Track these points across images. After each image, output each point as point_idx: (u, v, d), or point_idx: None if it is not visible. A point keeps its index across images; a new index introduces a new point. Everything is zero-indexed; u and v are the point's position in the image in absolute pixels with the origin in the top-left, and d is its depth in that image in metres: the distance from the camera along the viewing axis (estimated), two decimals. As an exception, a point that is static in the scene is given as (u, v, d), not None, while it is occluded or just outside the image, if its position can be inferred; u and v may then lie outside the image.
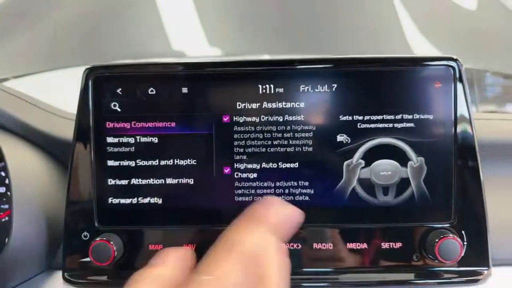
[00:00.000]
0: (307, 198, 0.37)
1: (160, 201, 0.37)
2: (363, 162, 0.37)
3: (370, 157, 0.37)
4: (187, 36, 0.98)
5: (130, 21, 0.99)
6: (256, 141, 0.37)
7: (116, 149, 0.37)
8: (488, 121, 0.44)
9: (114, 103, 0.37)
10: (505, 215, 0.41)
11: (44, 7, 1.04)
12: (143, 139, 0.37)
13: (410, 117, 0.37)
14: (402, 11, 0.99)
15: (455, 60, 0.37)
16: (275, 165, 0.37)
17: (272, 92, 0.37)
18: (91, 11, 1.02)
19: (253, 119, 0.37)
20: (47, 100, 0.47)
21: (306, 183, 0.37)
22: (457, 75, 0.37)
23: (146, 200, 0.38)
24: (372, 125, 0.37)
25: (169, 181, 0.37)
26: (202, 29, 0.96)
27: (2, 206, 0.37)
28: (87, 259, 0.37)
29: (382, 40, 0.97)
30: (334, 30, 0.99)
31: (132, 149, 0.37)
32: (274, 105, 0.37)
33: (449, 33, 1.00)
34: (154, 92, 0.37)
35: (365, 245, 0.37)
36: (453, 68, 0.37)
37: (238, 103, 0.37)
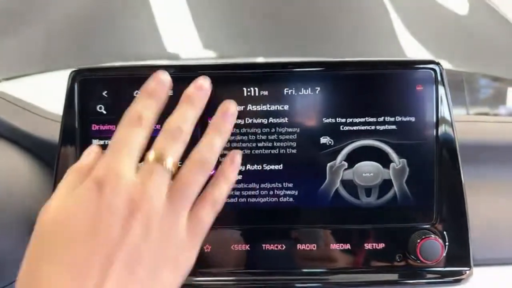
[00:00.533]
0: (291, 199, 0.38)
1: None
2: (346, 163, 0.37)
3: (353, 159, 0.37)
4: (182, 39, 0.98)
5: (124, 24, 0.99)
6: (240, 143, 0.38)
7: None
8: (470, 123, 0.45)
9: (99, 105, 0.38)
10: (486, 216, 0.41)
11: (37, 8, 1.04)
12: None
13: (392, 119, 0.37)
14: (394, 15, 1.00)
15: (437, 64, 0.38)
16: (259, 167, 0.38)
17: (257, 95, 0.38)
18: (85, 13, 1.02)
19: (238, 121, 0.38)
20: (39, 103, 0.47)
21: (290, 185, 0.38)
22: (439, 78, 0.37)
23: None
24: (355, 128, 0.37)
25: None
26: (196, 32, 0.97)
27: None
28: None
29: (376, 43, 0.98)
30: (330, 33, 1.00)
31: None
32: (258, 108, 0.38)
33: (440, 37, 1.02)
34: (139, 95, 0.37)
35: (348, 246, 0.38)
36: (435, 71, 0.37)
37: None
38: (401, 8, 1.02)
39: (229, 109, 0.34)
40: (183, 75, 0.38)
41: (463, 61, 1.03)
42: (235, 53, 0.96)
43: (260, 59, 0.91)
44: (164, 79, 0.33)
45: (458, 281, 0.38)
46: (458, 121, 0.38)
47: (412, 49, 0.97)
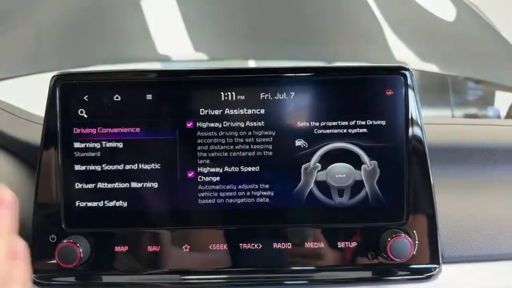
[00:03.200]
0: (267, 200, 0.39)
1: (125, 204, 0.39)
2: (319, 165, 0.39)
3: (326, 160, 0.39)
4: (173, 41, 0.99)
5: (116, 26, 1.00)
6: (218, 146, 0.39)
7: (83, 154, 0.39)
8: (439, 126, 0.47)
9: (81, 109, 0.39)
10: (454, 216, 0.43)
11: (28, 10, 1.03)
12: (109, 144, 0.39)
13: (363, 123, 0.39)
14: (384, 22, 1.02)
15: (407, 69, 0.39)
16: (237, 169, 0.39)
17: (234, 99, 0.39)
18: (76, 15, 1.02)
19: (216, 124, 0.39)
20: (25, 105, 0.47)
21: (267, 186, 0.39)
22: (409, 83, 0.39)
23: (112, 204, 0.39)
24: (328, 131, 0.39)
25: (134, 184, 0.39)
26: (187, 35, 0.98)
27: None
28: (54, 261, 0.38)
29: (365, 47, 1.00)
30: (319, 37, 1.02)
31: (98, 154, 0.39)
32: (235, 112, 0.39)
33: (428, 42, 1.04)
34: (119, 99, 0.38)
35: (322, 244, 0.39)
36: (405, 76, 0.39)
37: (201, 109, 0.39)
38: (390, 14, 1.04)
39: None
40: (162, 80, 0.39)
41: (449, 65, 1.05)
42: (225, 55, 0.97)
43: (251, 62, 0.92)
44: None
45: (428, 278, 0.39)
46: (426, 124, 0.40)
47: (400, 53, 0.99)
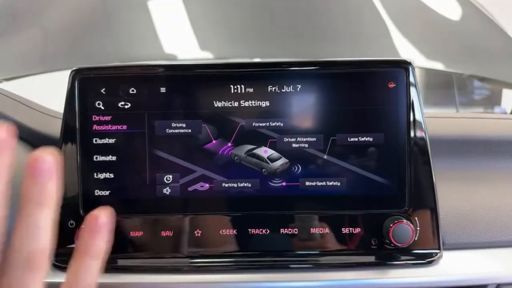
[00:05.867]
0: (275, 187, 0.41)
1: (140, 192, 0.41)
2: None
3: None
4: (179, 40, 1.01)
5: (123, 25, 1.02)
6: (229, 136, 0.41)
7: (100, 144, 0.41)
8: (440, 119, 0.48)
9: (98, 102, 0.41)
10: (456, 205, 0.45)
11: (38, 10, 1.06)
12: (125, 135, 0.41)
13: (366, 113, 0.40)
14: (390, 21, 1.03)
15: (409, 63, 0.41)
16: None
17: (243, 91, 0.41)
18: (84, 16, 1.05)
19: (225, 115, 0.41)
20: (39, 101, 0.50)
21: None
22: (410, 76, 0.41)
23: (128, 192, 0.41)
24: (333, 121, 0.40)
25: (149, 174, 0.41)
26: (193, 34, 1.00)
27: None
28: (73, 245, 0.40)
29: (371, 46, 1.02)
30: (325, 36, 1.03)
31: (115, 144, 0.41)
32: (244, 103, 0.41)
33: (434, 41, 1.05)
34: (134, 92, 0.41)
35: (327, 230, 0.41)
36: (407, 69, 0.41)
37: (213, 101, 0.41)
38: (396, 13, 1.05)
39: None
40: (171, 74, 0.41)
41: (455, 63, 1.06)
42: (230, 54, 0.99)
43: (256, 60, 0.94)
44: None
45: (429, 263, 0.41)
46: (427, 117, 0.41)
47: (406, 51, 1.01)
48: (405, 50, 1.01)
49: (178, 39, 1.01)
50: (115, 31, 1.01)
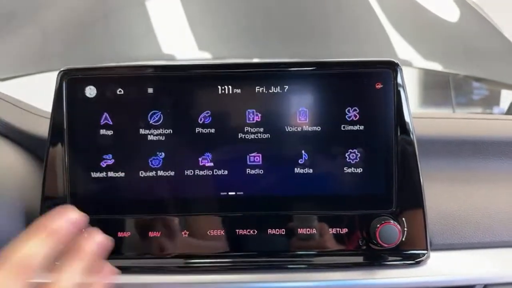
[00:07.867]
0: (263, 187, 0.41)
1: (128, 192, 0.41)
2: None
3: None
4: (177, 41, 1.01)
5: (121, 25, 1.02)
6: (218, 137, 0.41)
7: (88, 145, 0.41)
8: (426, 120, 0.48)
9: (86, 102, 0.41)
10: (443, 205, 0.45)
11: (34, 10, 1.06)
12: (112, 136, 0.41)
13: (354, 114, 0.40)
14: (388, 23, 1.03)
15: (396, 64, 0.41)
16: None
17: (231, 92, 0.41)
18: (82, 15, 1.05)
19: (214, 116, 0.41)
20: (33, 102, 0.50)
21: (262, 172, 0.41)
22: (398, 77, 0.41)
23: (115, 192, 0.41)
24: (320, 121, 0.40)
25: (137, 174, 0.41)
26: (192, 34, 1.00)
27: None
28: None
29: (368, 47, 1.02)
30: (322, 36, 1.03)
31: (103, 144, 0.41)
32: (233, 104, 0.41)
33: (429, 42, 1.05)
34: (122, 92, 0.41)
35: (315, 231, 0.41)
36: (394, 70, 0.41)
37: (200, 102, 0.41)
38: (393, 14, 1.05)
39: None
40: (161, 75, 0.41)
41: (452, 64, 1.06)
42: (229, 54, 0.99)
43: (255, 60, 0.94)
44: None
45: (417, 263, 0.41)
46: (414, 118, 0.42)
47: (403, 52, 1.01)
48: (403, 51, 1.01)
49: (176, 39, 1.01)
50: (112, 31, 1.01)
